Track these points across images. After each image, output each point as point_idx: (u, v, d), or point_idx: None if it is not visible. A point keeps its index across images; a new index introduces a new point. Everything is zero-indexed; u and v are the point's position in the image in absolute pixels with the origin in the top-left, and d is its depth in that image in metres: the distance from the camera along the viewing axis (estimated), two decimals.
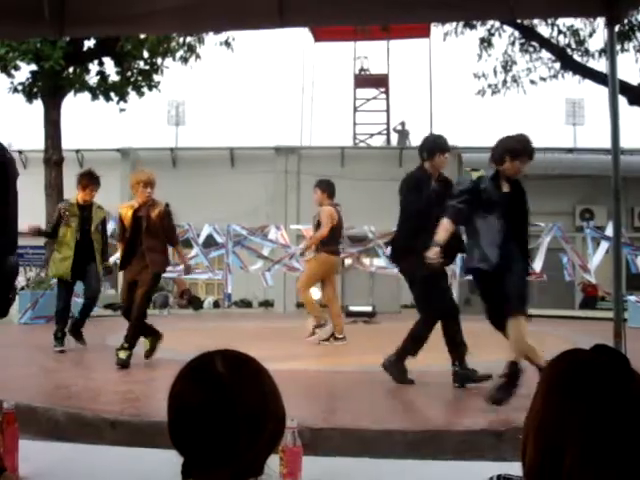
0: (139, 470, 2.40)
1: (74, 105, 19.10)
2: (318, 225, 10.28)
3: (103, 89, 17.80)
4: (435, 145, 7.08)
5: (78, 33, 7.38)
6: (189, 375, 1.52)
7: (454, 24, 16.30)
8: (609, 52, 4.61)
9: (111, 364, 7.82)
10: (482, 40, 16.91)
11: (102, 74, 17.97)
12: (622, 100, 13.76)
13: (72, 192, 18.04)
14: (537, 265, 14.40)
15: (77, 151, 23.86)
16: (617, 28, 12.76)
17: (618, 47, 15.11)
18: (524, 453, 1.47)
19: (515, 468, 1.49)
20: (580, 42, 16.44)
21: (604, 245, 14.32)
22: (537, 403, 1.48)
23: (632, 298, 14.48)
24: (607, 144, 4.53)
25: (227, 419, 1.43)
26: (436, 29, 20.70)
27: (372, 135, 29.29)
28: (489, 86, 17.35)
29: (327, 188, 10.43)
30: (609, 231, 11.44)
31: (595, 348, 1.48)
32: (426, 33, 26.83)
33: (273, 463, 1.72)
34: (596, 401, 1.38)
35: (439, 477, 2.42)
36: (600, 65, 15.71)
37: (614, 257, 4.80)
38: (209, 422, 1.43)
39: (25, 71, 17.02)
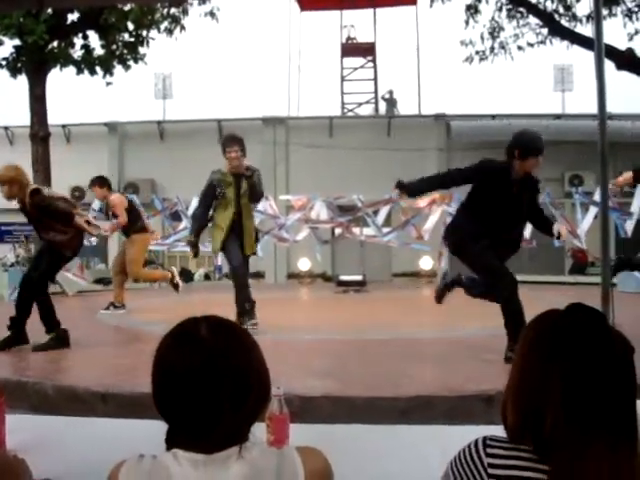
0: (130, 441, 2.39)
1: (59, 80, 18.93)
2: (114, 215, 10.60)
3: (88, 63, 17.64)
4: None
5: (58, 4, 7.28)
6: (173, 340, 1.52)
7: None
8: (595, 18, 4.58)
9: (101, 338, 7.82)
10: (469, 7, 16.78)
11: (87, 47, 17.80)
12: (610, 65, 13.73)
13: (59, 167, 18.06)
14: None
15: (64, 126, 23.72)
16: None
17: (606, 12, 15.08)
18: (504, 415, 1.48)
19: (501, 431, 1.50)
20: (568, 7, 16.34)
21: (593, 210, 14.36)
22: (516, 366, 1.49)
23: None
24: (595, 110, 4.51)
25: (211, 383, 1.43)
26: None
27: (360, 104, 29.19)
28: (476, 53, 17.25)
29: (103, 182, 10.86)
30: (597, 196, 11.44)
31: (570, 307, 1.50)
32: (413, 0, 26.67)
33: (260, 431, 1.72)
34: (573, 360, 1.40)
35: (428, 441, 2.43)
36: (588, 30, 15.65)
37: (601, 222, 4.79)
38: (193, 386, 1.43)
39: (8, 46, 16.86)
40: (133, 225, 10.62)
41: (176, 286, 10.47)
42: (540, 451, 1.40)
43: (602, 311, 4.45)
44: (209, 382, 1.43)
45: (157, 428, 1.52)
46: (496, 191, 6.18)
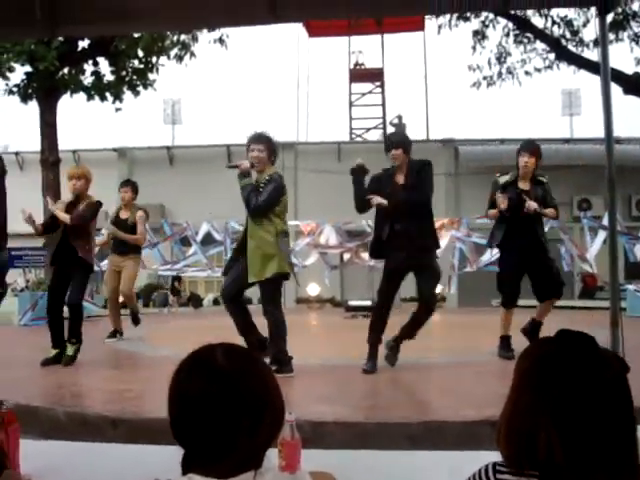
0: (141, 467, 2.41)
1: (70, 105, 19.10)
2: (132, 229, 10.57)
3: (98, 89, 17.79)
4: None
5: (70, 33, 7.39)
6: (190, 367, 1.54)
7: (448, 17, 16.30)
8: (601, 43, 4.62)
9: (111, 363, 7.84)
10: (476, 32, 16.90)
11: (97, 74, 17.96)
12: (617, 89, 13.78)
13: (69, 193, 18.13)
14: None
15: (74, 151, 23.86)
16: (611, 18, 12.75)
17: (612, 37, 15.16)
18: (499, 442, 1.50)
19: None
20: (574, 32, 16.43)
21: (602, 235, 14.33)
22: (509, 396, 1.51)
23: (630, 287, 14.51)
24: (603, 134, 4.54)
25: (228, 410, 1.45)
26: (430, 22, 20.74)
27: (368, 129, 29.30)
28: (484, 78, 17.35)
29: (136, 189, 11.08)
30: (606, 221, 11.44)
31: (558, 334, 1.51)
32: (420, 26, 26.82)
33: (272, 456, 1.73)
34: (564, 387, 1.40)
35: (437, 466, 2.43)
36: (595, 55, 15.71)
37: (610, 246, 4.80)
38: (210, 413, 1.45)
39: (20, 72, 17.04)
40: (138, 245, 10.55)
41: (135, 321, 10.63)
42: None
43: (612, 336, 4.48)
44: (226, 408, 1.44)
45: (168, 453, 1.54)
46: None
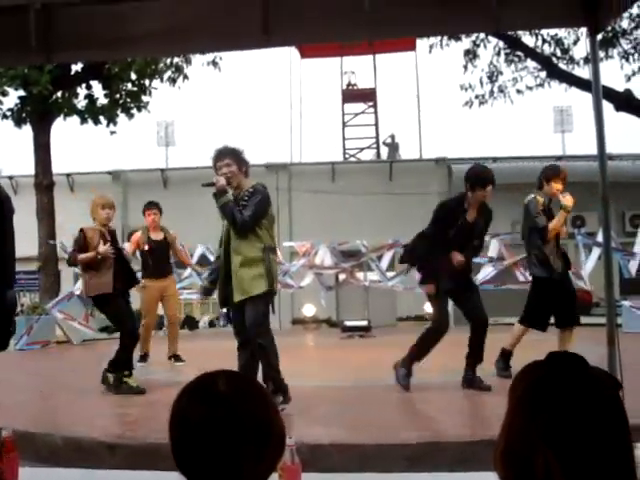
0: None
1: (63, 129, 19.16)
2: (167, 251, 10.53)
3: (92, 112, 17.84)
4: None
5: (65, 59, 7.41)
6: (192, 395, 1.53)
7: (439, 37, 16.41)
8: (592, 62, 4.65)
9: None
10: (467, 52, 17.00)
11: (90, 97, 18.01)
12: (609, 106, 13.86)
13: (64, 216, 18.16)
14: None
15: (68, 175, 23.87)
16: (600, 36, 12.82)
17: (603, 54, 15.27)
18: (496, 466, 1.50)
19: None
20: (565, 50, 16.54)
21: (596, 251, 14.36)
22: (505, 419, 1.51)
23: (626, 303, 14.52)
24: (596, 151, 4.57)
25: (232, 436, 1.44)
26: (421, 42, 20.89)
27: (362, 149, 29.39)
28: (476, 97, 17.43)
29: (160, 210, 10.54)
30: (600, 237, 11.47)
31: (549, 357, 1.51)
32: (412, 46, 26.97)
33: None
34: (557, 411, 1.40)
35: None
36: (585, 72, 15.82)
37: (605, 263, 4.82)
38: (215, 442, 1.44)
39: (13, 97, 17.09)
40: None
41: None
42: None
43: (609, 354, 4.48)
44: (231, 437, 1.44)
45: (168, 479, 1.54)
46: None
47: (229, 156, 6.34)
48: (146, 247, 10.14)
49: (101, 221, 7.89)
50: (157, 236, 10.22)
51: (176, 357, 10.33)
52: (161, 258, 10.21)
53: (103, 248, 7.56)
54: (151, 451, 4.74)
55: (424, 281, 7.40)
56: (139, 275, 9.69)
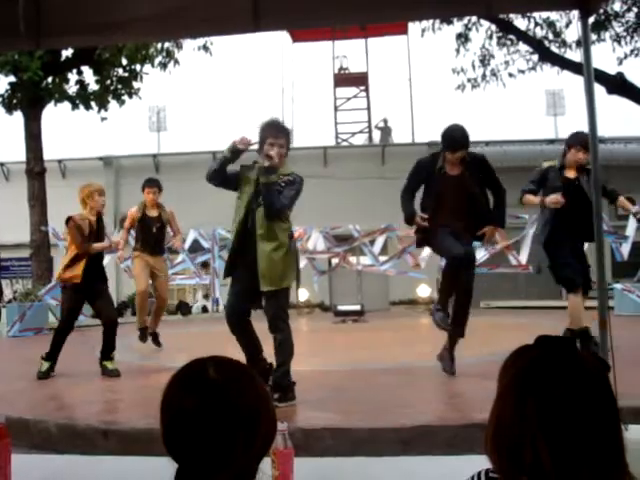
0: (133, 479, 2.41)
1: (55, 115, 19.05)
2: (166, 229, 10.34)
3: (83, 98, 17.77)
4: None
5: (54, 44, 7.35)
6: (182, 382, 1.53)
7: (431, 20, 16.35)
8: (584, 45, 4.64)
9: (99, 374, 7.83)
10: (459, 35, 16.94)
11: (81, 83, 17.94)
12: (601, 89, 13.84)
13: (55, 202, 18.12)
14: (523, 257, 14.46)
15: (59, 161, 23.80)
16: (592, 19, 12.76)
17: (595, 37, 15.23)
18: (486, 451, 1.50)
19: None
20: (557, 34, 16.49)
21: None
22: (494, 405, 1.51)
23: (618, 286, 14.58)
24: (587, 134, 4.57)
25: (224, 424, 1.44)
26: (413, 26, 20.83)
27: (354, 134, 29.34)
28: (468, 80, 17.37)
29: (161, 188, 10.42)
30: None
31: (538, 340, 1.52)
32: (404, 30, 26.92)
33: (266, 466, 1.74)
34: (546, 394, 1.41)
35: (430, 473, 2.44)
36: (578, 56, 15.77)
37: (596, 247, 4.82)
38: (205, 428, 1.44)
39: (4, 83, 17.07)
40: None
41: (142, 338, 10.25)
42: None
43: (601, 336, 4.50)
44: (221, 421, 1.44)
45: (161, 465, 1.54)
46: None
47: (285, 136, 5.99)
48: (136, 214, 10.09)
49: (97, 208, 7.89)
50: (153, 214, 10.05)
51: (154, 336, 10.35)
52: (155, 236, 10.04)
53: (116, 238, 7.68)
54: (145, 436, 4.75)
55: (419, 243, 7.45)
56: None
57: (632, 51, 15.81)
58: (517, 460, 1.43)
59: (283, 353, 5.91)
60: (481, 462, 1.54)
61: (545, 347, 1.50)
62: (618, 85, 14.16)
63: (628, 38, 15.76)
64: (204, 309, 22.66)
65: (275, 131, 5.90)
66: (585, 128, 4.57)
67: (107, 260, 10.82)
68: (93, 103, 17.92)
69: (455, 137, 7.12)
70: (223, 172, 5.97)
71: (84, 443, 5.08)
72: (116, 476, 2.52)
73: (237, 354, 7.83)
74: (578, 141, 7.39)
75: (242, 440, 1.45)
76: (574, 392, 1.41)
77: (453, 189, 7.08)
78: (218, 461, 1.45)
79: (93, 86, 18.01)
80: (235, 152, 5.83)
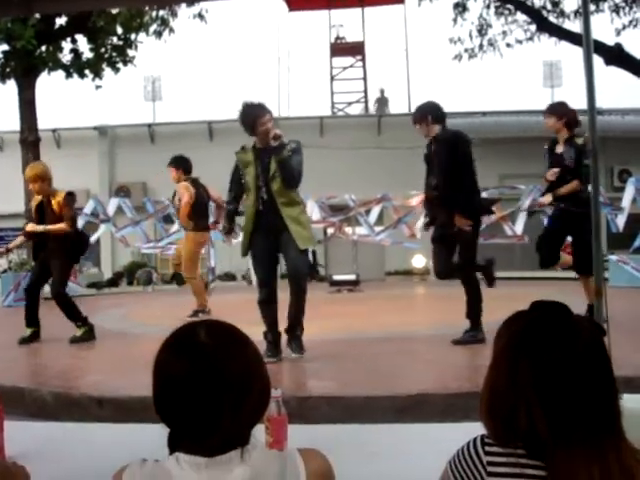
0: (129, 446, 2.41)
1: (49, 84, 18.92)
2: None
3: (77, 67, 17.62)
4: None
5: (47, 9, 7.27)
6: (173, 346, 1.53)
7: None
8: (583, 15, 4.61)
9: (96, 342, 7.84)
10: (457, 5, 16.81)
11: (75, 51, 17.78)
12: (599, 60, 13.77)
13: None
14: (518, 227, 14.48)
15: (54, 131, 23.66)
16: None
17: (593, 8, 15.13)
18: (481, 417, 1.50)
19: None
20: (555, 4, 16.37)
21: None
22: (489, 370, 1.51)
23: (613, 257, 14.60)
24: (585, 105, 4.54)
25: (212, 388, 1.44)
26: None
27: (350, 104, 29.20)
28: (465, 50, 17.26)
29: (181, 164, 10.32)
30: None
31: (533, 305, 1.51)
32: None
33: (259, 433, 1.73)
34: (542, 358, 1.41)
35: (424, 439, 2.45)
36: (576, 26, 15.66)
37: (593, 217, 4.81)
38: (194, 392, 1.44)
39: None
40: (197, 221, 10.13)
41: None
42: (532, 452, 1.41)
43: (595, 304, 4.51)
44: (210, 387, 1.44)
45: (156, 432, 1.54)
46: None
47: (269, 112, 6.49)
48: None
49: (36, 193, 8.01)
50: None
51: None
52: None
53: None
54: (139, 404, 4.76)
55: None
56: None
57: (630, 22, 15.71)
58: (512, 426, 1.42)
59: (304, 302, 6.48)
60: (476, 429, 1.54)
61: (540, 312, 1.50)
62: (616, 56, 14.07)
63: (627, 9, 15.66)
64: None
65: (260, 110, 6.41)
66: (582, 100, 4.54)
67: (102, 230, 10.84)
68: (87, 71, 17.75)
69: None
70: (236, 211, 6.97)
71: (79, 412, 5.10)
72: (111, 443, 2.52)
73: (237, 321, 7.84)
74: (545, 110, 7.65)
75: (231, 405, 1.44)
76: (569, 356, 1.41)
77: (430, 165, 7.24)
78: (207, 426, 1.44)
79: (87, 54, 17.84)
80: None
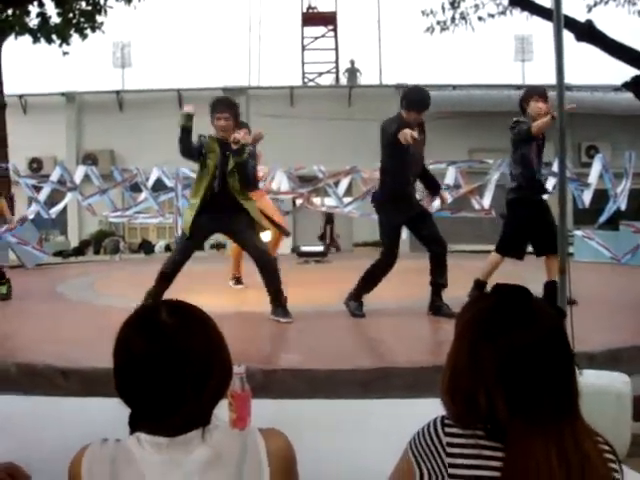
0: (92, 420, 2.41)
1: (15, 49, 18.60)
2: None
3: (44, 31, 17.34)
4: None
5: None
6: (134, 325, 1.53)
7: None
8: None
9: (61, 313, 7.78)
10: None
11: (43, 16, 17.48)
12: (570, 36, 13.80)
13: (16, 138, 17.82)
14: (486, 201, 14.53)
15: (20, 96, 23.31)
16: None
17: None
18: (442, 399, 1.52)
19: None
20: None
21: (552, 181, 14.48)
22: (450, 353, 1.53)
23: (579, 233, 14.71)
24: (554, 80, 4.56)
25: (173, 368, 1.44)
26: None
27: (321, 74, 29.06)
28: (437, 23, 17.20)
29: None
30: (556, 167, 11.57)
31: (495, 288, 1.53)
32: None
33: (223, 409, 1.73)
34: (501, 342, 1.43)
35: (388, 415, 2.47)
36: (547, 2, 15.65)
37: (559, 193, 4.86)
38: (155, 371, 1.44)
39: None
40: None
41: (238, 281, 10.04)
42: (492, 434, 1.43)
43: (560, 281, 4.55)
44: (171, 366, 1.44)
45: (119, 406, 1.53)
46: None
47: (229, 110, 6.95)
48: None
49: None
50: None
51: (237, 279, 10.16)
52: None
53: None
54: (105, 377, 4.74)
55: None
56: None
57: None
58: (472, 407, 1.44)
59: (278, 278, 7.07)
60: (440, 405, 1.55)
61: (501, 295, 1.52)
62: (587, 32, 14.08)
63: None
64: (167, 248, 22.57)
65: (220, 106, 6.95)
66: (552, 75, 4.55)
67: (69, 198, 10.73)
68: (55, 36, 17.47)
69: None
70: (188, 142, 6.82)
71: (44, 383, 5.07)
72: (73, 417, 2.51)
73: (201, 293, 7.83)
74: (536, 92, 7.53)
75: (192, 385, 1.44)
76: (529, 340, 1.43)
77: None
78: (169, 405, 1.45)
79: (55, 19, 17.56)
80: (187, 117, 6.73)
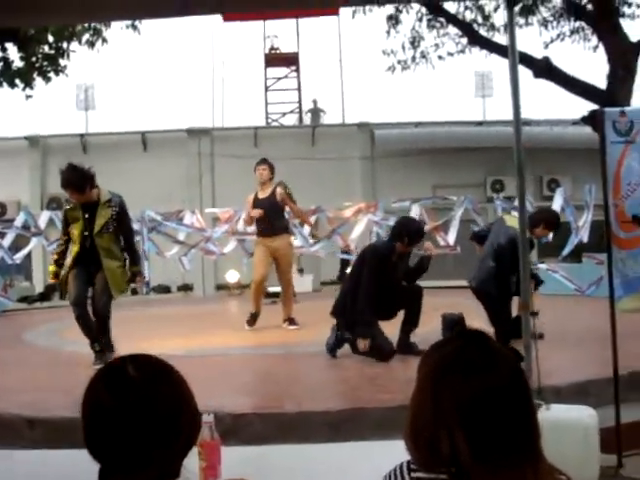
0: (58, 473, 2.39)
1: None
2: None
3: (7, 76, 17.29)
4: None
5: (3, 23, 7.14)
6: (102, 380, 1.53)
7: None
8: (509, 32, 4.75)
9: (27, 361, 7.68)
10: (390, 17, 17.00)
11: (5, 60, 17.43)
12: (528, 73, 14.07)
13: None
14: (450, 238, 14.66)
15: None
16: (521, 3, 12.96)
17: (522, 21, 15.50)
18: (406, 444, 1.53)
19: None
20: (486, 17, 16.67)
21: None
22: (412, 398, 1.55)
23: (543, 266, 14.87)
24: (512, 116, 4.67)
25: (141, 423, 1.44)
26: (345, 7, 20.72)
27: (284, 114, 29.23)
28: (399, 62, 17.45)
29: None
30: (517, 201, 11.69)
31: (456, 335, 1.56)
32: (335, 11, 26.83)
33: (193, 457, 1.74)
34: (463, 388, 1.45)
35: (359, 459, 2.47)
36: (505, 39, 15.97)
37: (520, 226, 4.94)
38: (123, 427, 1.44)
39: None
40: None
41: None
42: (455, 478, 1.45)
43: (523, 317, 4.61)
44: (139, 422, 1.44)
45: (85, 457, 1.52)
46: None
47: (83, 181, 7.62)
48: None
49: None
50: (263, 194, 10.05)
51: (290, 320, 10.05)
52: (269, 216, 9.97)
53: None
54: (72, 426, 4.69)
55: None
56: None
57: (558, 35, 16.13)
58: (435, 451, 1.46)
59: (101, 329, 7.25)
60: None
61: (461, 341, 1.55)
62: (544, 69, 14.39)
63: (554, 23, 16.06)
64: (133, 291, 22.39)
65: (68, 185, 7.45)
66: (511, 110, 4.66)
67: (33, 244, 10.65)
68: (18, 81, 17.44)
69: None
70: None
71: (9, 433, 5.00)
72: (40, 470, 2.49)
73: (172, 335, 7.78)
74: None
75: (162, 439, 1.45)
76: (489, 383, 1.46)
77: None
78: (138, 460, 1.45)
79: (18, 63, 17.53)
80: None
